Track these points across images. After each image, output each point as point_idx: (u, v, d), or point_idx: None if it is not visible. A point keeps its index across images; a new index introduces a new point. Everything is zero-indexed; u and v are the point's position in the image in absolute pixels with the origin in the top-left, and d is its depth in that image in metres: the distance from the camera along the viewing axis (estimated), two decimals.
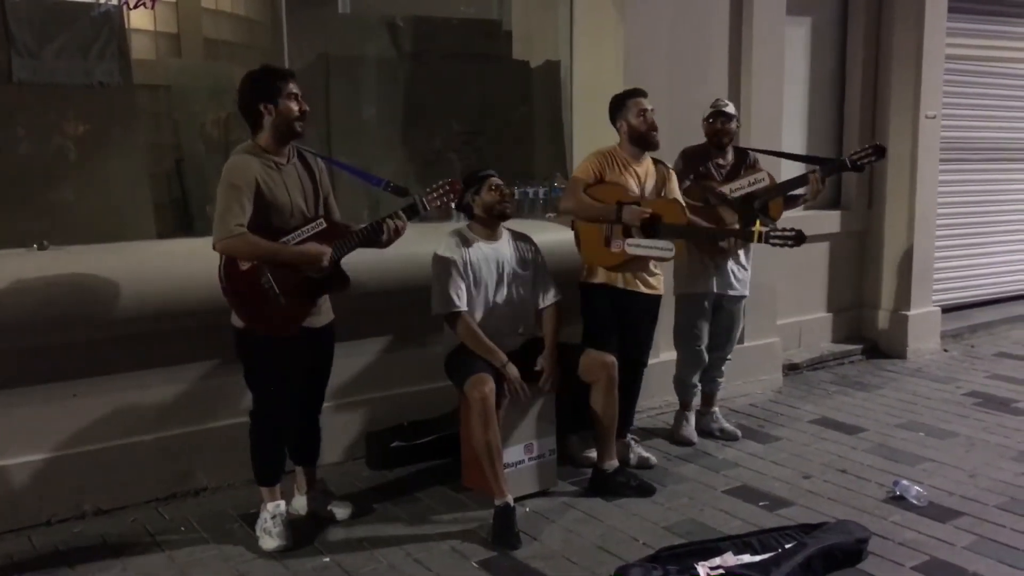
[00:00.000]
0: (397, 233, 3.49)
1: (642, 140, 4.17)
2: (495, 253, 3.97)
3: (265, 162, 3.34)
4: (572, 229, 4.29)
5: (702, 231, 4.26)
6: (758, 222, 4.07)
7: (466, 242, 3.94)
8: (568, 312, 4.17)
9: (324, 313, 3.59)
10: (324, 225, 3.37)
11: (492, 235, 3.99)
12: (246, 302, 3.36)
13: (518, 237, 4.10)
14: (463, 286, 3.86)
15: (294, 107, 3.34)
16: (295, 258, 3.32)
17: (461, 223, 4.14)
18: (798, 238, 3.91)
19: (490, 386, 3.69)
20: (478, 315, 3.92)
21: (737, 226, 4.38)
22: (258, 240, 3.25)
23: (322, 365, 3.71)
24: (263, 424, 3.56)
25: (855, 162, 4.37)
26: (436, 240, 3.98)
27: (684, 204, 4.20)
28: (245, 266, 3.32)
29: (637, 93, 4.21)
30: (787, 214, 4.58)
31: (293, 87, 3.35)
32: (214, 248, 3.28)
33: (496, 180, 3.94)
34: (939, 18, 6.43)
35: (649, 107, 4.15)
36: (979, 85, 7.30)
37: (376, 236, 3.47)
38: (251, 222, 3.26)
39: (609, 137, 4.32)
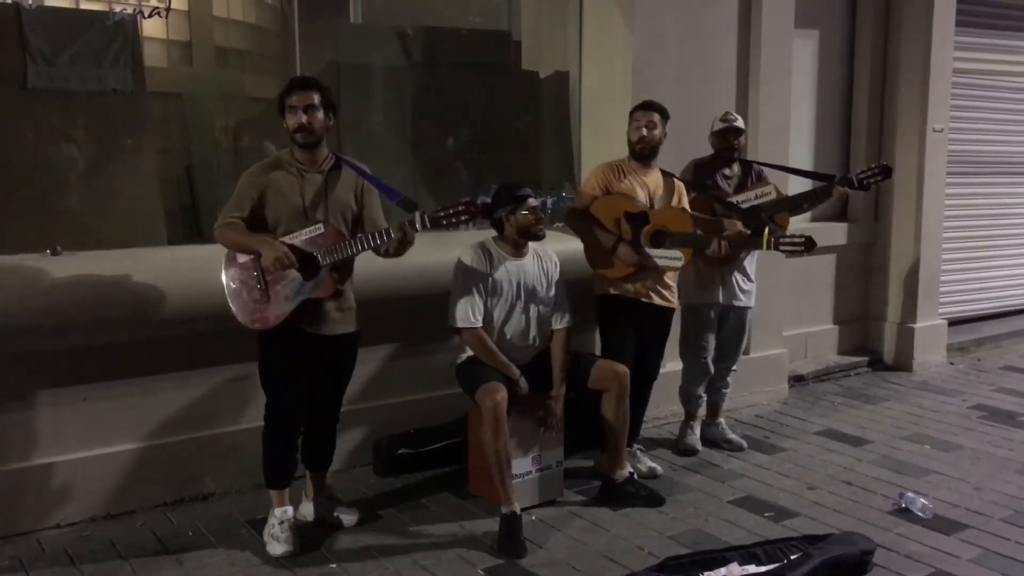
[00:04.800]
0: (404, 244, 3.41)
1: (633, 152, 4.23)
2: (518, 270, 3.94)
3: (288, 170, 3.46)
4: (581, 240, 4.32)
5: (709, 238, 4.22)
6: (767, 229, 4.08)
7: (490, 256, 3.91)
8: (577, 321, 4.18)
9: (340, 322, 3.57)
10: (321, 229, 3.40)
11: (518, 252, 3.95)
12: (234, 291, 3.46)
13: (543, 256, 4.06)
14: (480, 303, 3.85)
15: (288, 121, 3.42)
16: (257, 245, 3.36)
17: (471, 233, 4.15)
18: (808, 244, 3.87)
19: (502, 394, 3.69)
20: (494, 330, 3.91)
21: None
22: (242, 229, 3.39)
23: (335, 373, 3.71)
24: (272, 426, 3.59)
25: (862, 181, 4.39)
26: (447, 250, 4.00)
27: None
28: (243, 259, 3.44)
29: (641, 106, 4.25)
30: (793, 222, 4.60)
31: (291, 100, 3.40)
32: (215, 233, 3.45)
33: (533, 201, 3.88)
34: (947, 31, 6.44)
35: (646, 121, 4.18)
36: (987, 99, 7.31)
37: (375, 245, 3.41)
38: (260, 222, 3.42)
39: (616, 146, 4.36)
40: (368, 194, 3.61)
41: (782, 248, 3.95)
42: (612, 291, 4.22)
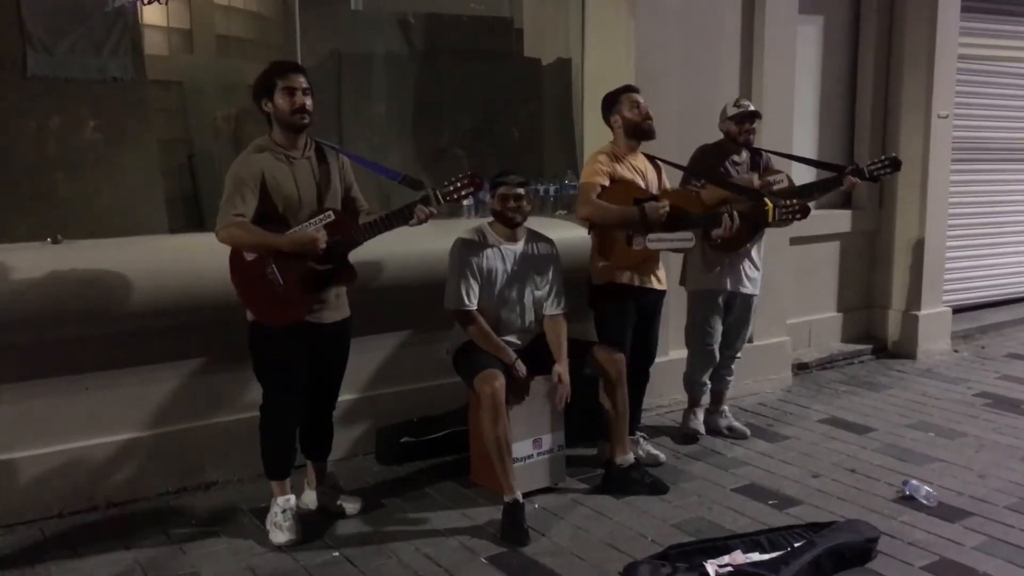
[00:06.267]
0: (426, 220, 3.43)
1: (637, 130, 4.17)
2: (512, 254, 3.95)
3: (276, 156, 3.39)
4: (589, 234, 4.27)
5: (719, 215, 4.16)
6: (768, 202, 4.12)
7: (484, 240, 3.93)
8: (573, 308, 4.17)
9: (335, 309, 3.56)
10: (332, 217, 3.36)
11: (511, 235, 3.96)
12: (250, 291, 3.39)
13: (539, 240, 4.06)
14: (475, 285, 3.86)
15: (285, 103, 3.34)
16: (289, 245, 3.30)
17: (471, 219, 4.14)
18: (803, 210, 4.16)
19: (500, 381, 3.69)
20: (488, 313, 3.92)
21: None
22: (255, 229, 3.29)
23: (333, 362, 3.70)
24: (271, 418, 3.57)
25: (872, 173, 4.40)
26: (447, 238, 3.99)
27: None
28: (250, 257, 3.35)
29: (629, 89, 4.23)
30: None
31: (288, 82, 3.34)
32: (217, 237, 3.31)
33: (505, 189, 3.86)
34: (952, 17, 6.41)
35: (641, 99, 4.16)
36: (991, 85, 7.28)
37: (400, 223, 3.41)
38: (259, 214, 3.32)
39: None
40: (348, 172, 3.62)
41: (783, 216, 4.12)
42: (617, 279, 4.19)
